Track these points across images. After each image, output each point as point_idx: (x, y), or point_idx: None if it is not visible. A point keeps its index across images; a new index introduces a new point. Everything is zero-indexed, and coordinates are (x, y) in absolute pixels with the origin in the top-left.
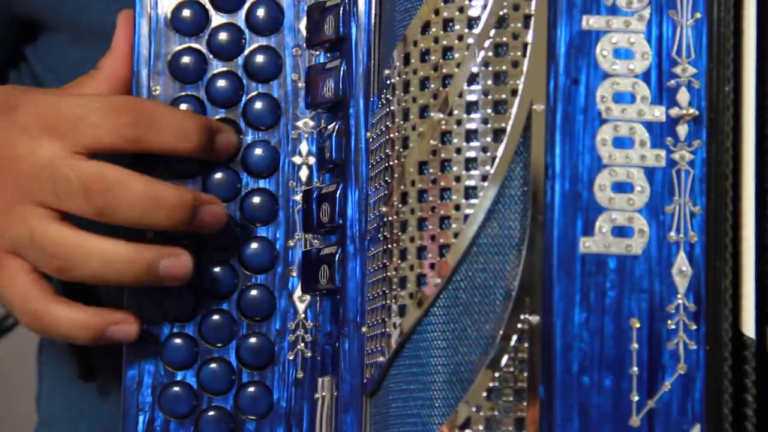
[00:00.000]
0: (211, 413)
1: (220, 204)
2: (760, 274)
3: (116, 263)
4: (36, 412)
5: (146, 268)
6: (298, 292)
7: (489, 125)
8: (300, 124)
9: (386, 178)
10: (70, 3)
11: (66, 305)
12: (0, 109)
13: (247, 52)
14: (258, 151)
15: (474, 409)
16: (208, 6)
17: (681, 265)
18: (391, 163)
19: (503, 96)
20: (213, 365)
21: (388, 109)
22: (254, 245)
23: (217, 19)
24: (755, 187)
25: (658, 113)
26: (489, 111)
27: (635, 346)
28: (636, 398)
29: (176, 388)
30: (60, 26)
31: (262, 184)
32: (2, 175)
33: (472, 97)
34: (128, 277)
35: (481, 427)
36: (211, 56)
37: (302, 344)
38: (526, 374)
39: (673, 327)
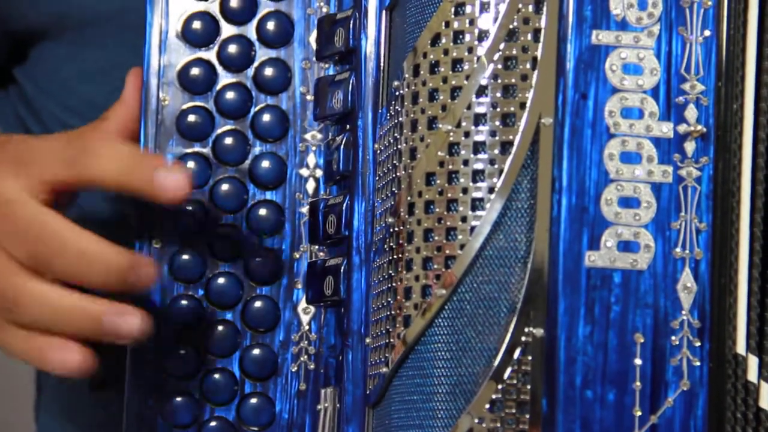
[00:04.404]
0: (213, 424)
1: (153, 267)
2: (752, 292)
3: (66, 311)
4: (34, 423)
5: (91, 320)
6: (302, 304)
7: (497, 138)
8: (308, 136)
9: (393, 189)
10: (73, 15)
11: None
12: None
13: (256, 64)
14: (265, 162)
15: (476, 421)
16: (219, 18)
17: (686, 281)
18: (398, 174)
19: (512, 109)
20: (216, 376)
21: (396, 121)
22: (260, 256)
23: (227, 30)
24: (750, 204)
25: (666, 129)
26: (497, 123)
27: (639, 361)
28: (639, 413)
29: (179, 398)
30: (61, 37)
31: (268, 195)
32: None
33: (481, 110)
34: (72, 326)
35: None
36: (220, 67)
37: (305, 356)
38: (529, 387)
39: (677, 343)
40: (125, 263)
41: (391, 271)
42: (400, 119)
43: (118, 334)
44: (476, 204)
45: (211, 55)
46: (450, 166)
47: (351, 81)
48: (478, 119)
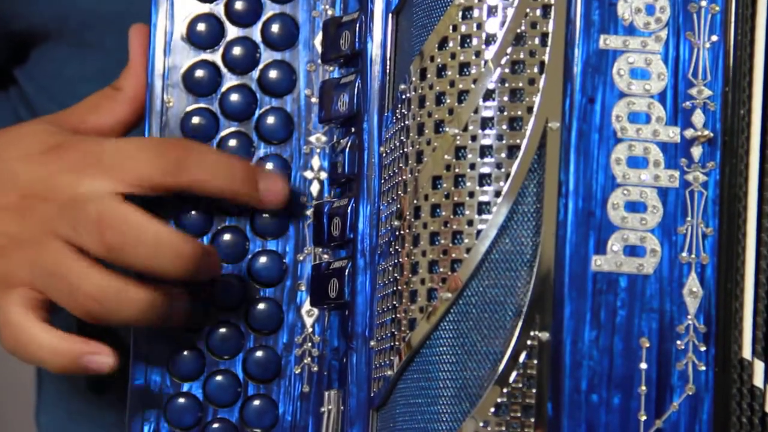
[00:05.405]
0: (216, 425)
1: (218, 257)
2: (759, 296)
3: (120, 296)
4: (35, 425)
5: (148, 305)
6: (306, 306)
7: (504, 142)
8: (312, 139)
9: (399, 192)
10: (74, 17)
11: (44, 328)
12: (43, 147)
13: (261, 66)
14: (269, 165)
15: (481, 425)
16: (224, 20)
17: (692, 286)
18: (404, 177)
19: (519, 113)
20: (219, 377)
21: (402, 124)
22: (263, 259)
23: (232, 32)
24: (757, 209)
25: (673, 134)
26: (504, 127)
27: (644, 365)
28: (644, 418)
29: (182, 400)
30: (62, 39)
31: None
32: (40, 206)
33: (488, 113)
34: (127, 312)
35: None
36: (225, 69)
37: (309, 358)
38: (534, 391)
39: (683, 348)
40: (196, 252)
41: (396, 274)
42: (407, 122)
43: (169, 320)
44: (483, 207)
45: (215, 57)
46: (456, 170)
47: (357, 84)
48: (485, 123)
